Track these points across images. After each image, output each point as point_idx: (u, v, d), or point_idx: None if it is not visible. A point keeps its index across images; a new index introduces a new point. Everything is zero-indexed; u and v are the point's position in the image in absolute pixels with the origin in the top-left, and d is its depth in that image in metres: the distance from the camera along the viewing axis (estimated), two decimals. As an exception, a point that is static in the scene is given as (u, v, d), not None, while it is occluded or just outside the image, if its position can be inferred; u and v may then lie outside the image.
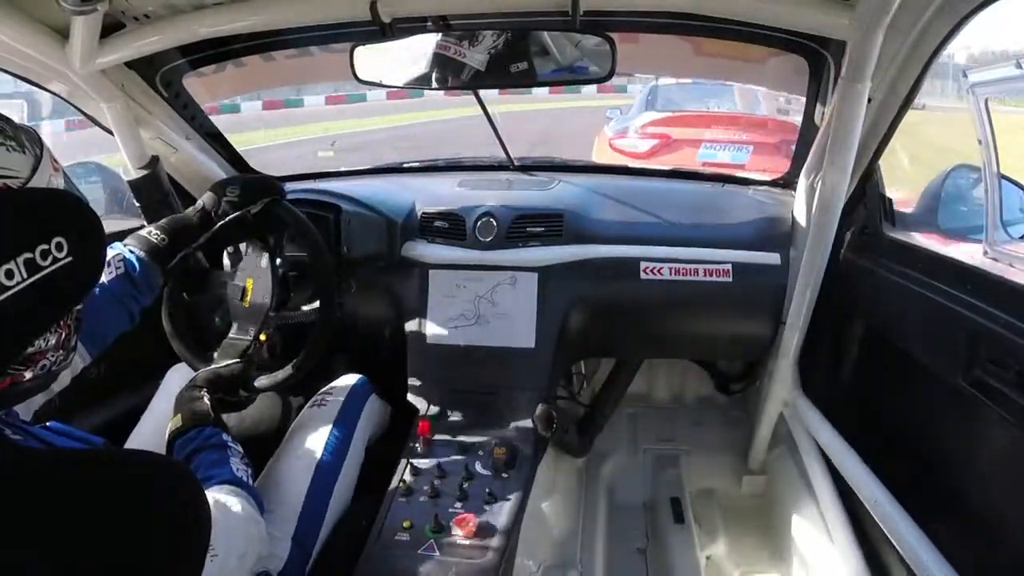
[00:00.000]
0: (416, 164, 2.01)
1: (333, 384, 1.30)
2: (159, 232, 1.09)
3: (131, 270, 1.02)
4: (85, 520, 0.49)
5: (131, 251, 1.04)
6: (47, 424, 0.71)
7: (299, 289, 1.28)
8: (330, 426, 1.18)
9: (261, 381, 1.18)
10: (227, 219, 1.15)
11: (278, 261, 1.23)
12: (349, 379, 1.31)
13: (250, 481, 0.94)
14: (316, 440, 1.16)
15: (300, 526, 1.04)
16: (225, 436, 0.98)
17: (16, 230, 0.54)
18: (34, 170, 0.58)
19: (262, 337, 1.20)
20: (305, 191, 1.52)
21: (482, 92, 1.48)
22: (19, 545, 0.46)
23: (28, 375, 0.61)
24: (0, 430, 0.55)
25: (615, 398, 1.69)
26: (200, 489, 0.59)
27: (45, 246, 0.55)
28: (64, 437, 0.66)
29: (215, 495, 0.84)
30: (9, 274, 0.52)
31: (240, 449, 0.98)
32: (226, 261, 1.30)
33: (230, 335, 1.20)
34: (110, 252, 1.00)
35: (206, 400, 1.03)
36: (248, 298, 1.22)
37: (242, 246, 1.27)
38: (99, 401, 1.35)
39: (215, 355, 1.17)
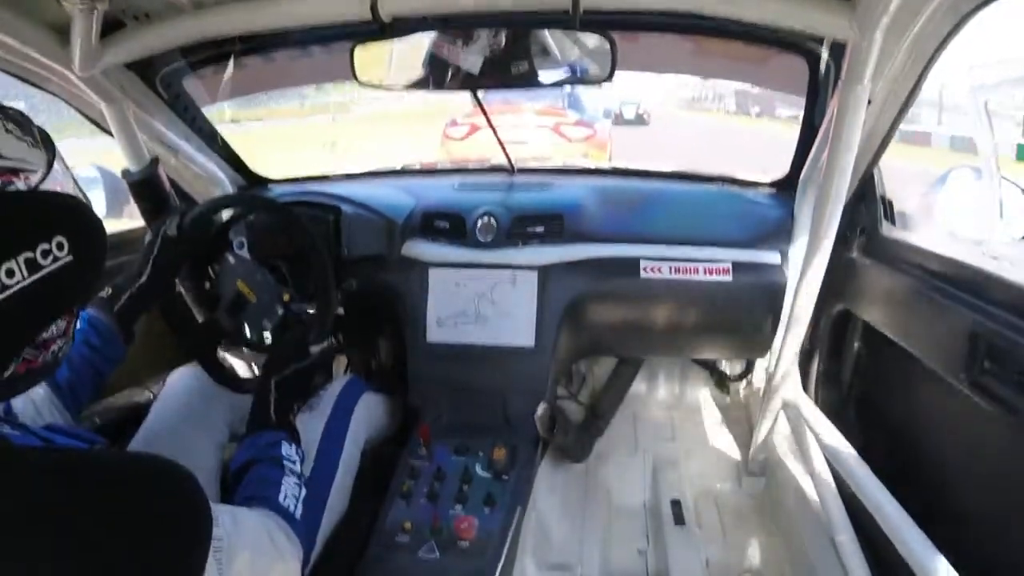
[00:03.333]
0: (416, 167, 2.01)
1: (324, 387, 1.29)
2: (112, 290, 1.09)
3: (90, 337, 1.01)
4: (81, 520, 0.49)
5: (86, 317, 1.03)
6: (50, 423, 0.71)
7: (295, 275, 1.29)
8: (320, 430, 1.17)
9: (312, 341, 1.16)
10: (165, 254, 1.16)
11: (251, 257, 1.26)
12: (339, 380, 1.30)
13: (298, 509, 0.87)
14: (307, 446, 1.12)
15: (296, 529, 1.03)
16: (284, 448, 0.92)
17: (17, 229, 0.54)
18: (49, 166, 0.58)
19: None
20: (305, 192, 1.52)
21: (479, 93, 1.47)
22: (13, 544, 0.46)
23: (39, 361, 0.61)
24: None
25: (615, 402, 1.69)
26: (199, 492, 0.58)
27: (46, 245, 0.55)
28: (64, 436, 0.66)
29: (255, 519, 0.77)
30: (10, 273, 0.52)
31: (297, 462, 0.93)
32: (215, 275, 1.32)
33: (249, 336, 1.22)
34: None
35: (271, 400, 0.99)
36: (250, 300, 1.23)
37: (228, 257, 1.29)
38: (102, 400, 1.35)
39: (246, 358, 1.18)
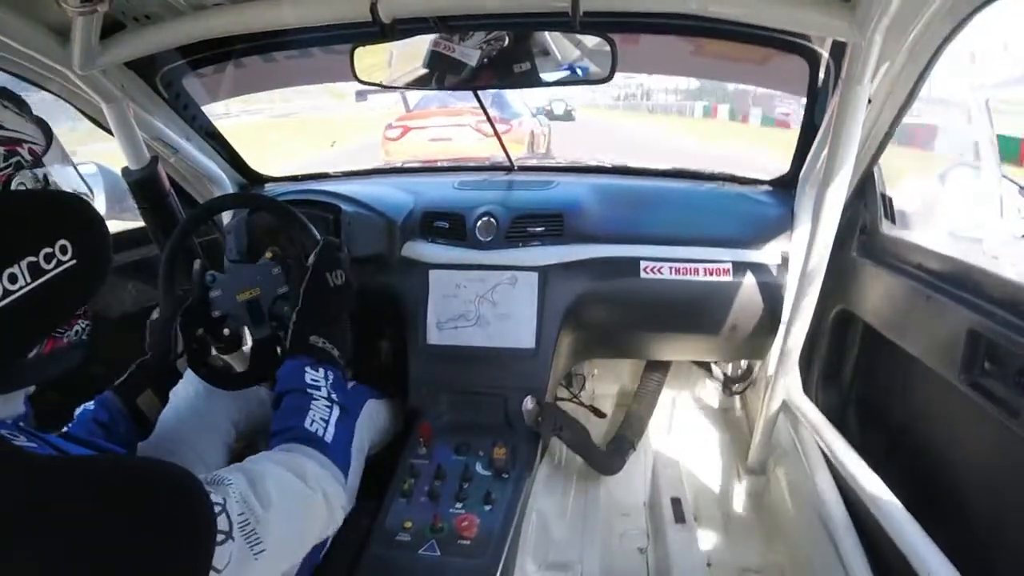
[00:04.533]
0: (416, 165, 2.01)
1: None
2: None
3: (101, 418, 0.98)
4: (82, 526, 0.49)
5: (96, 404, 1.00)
6: (66, 430, 0.71)
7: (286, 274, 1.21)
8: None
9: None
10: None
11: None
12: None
13: (329, 431, 0.81)
14: None
15: None
16: (309, 375, 0.87)
17: (19, 232, 0.53)
18: (49, 141, 0.58)
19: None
20: (305, 191, 1.52)
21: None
22: (17, 548, 0.46)
23: (65, 340, 0.62)
24: (9, 437, 0.54)
25: (646, 414, 1.66)
26: (206, 501, 0.58)
27: (49, 249, 0.54)
28: (79, 446, 0.64)
29: (275, 466, 0.72)
30: (12, 278, 0.52)
31: (323, 384, 0.87)
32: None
33: (257, 337, 1.14)
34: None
35: (291, 324, 0.95)
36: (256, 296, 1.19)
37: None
38: None
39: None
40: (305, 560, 1.00)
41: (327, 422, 0.82)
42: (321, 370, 0.89)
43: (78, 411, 0.98)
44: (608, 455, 1.57)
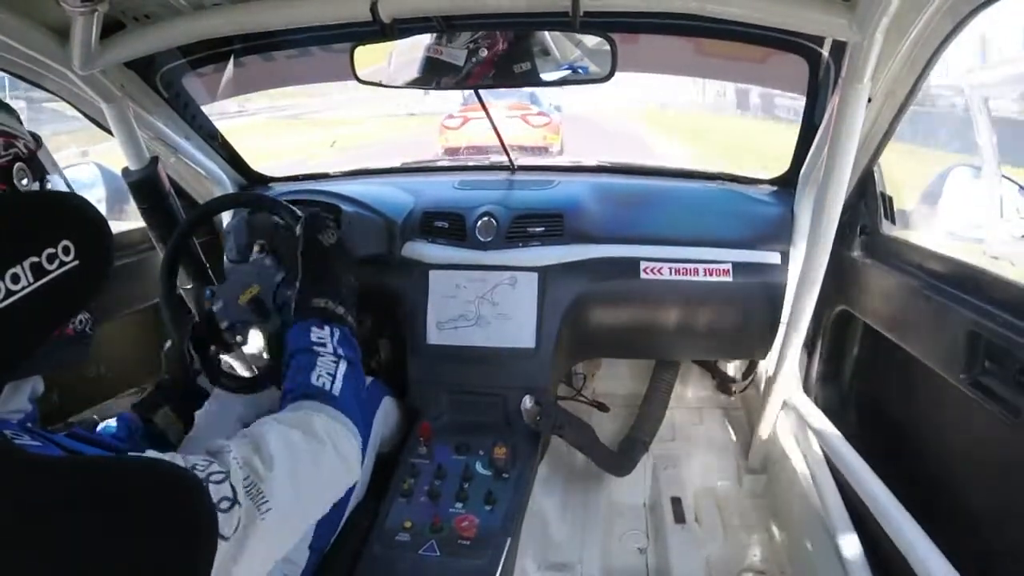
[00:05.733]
0: (416, 165, 2.01)
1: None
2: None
3: (120, 435, 1.00)
4: (81, 528, 0.49)
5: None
6: (73, 429, 0.71)
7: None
8: None
9: None
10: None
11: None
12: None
13: (337, 385, 0.80)
14: None
15: (318, 533, 1.03)
16: (314, 333, 0.86)
17: (22, 232, 0.54)
18: (39, 143, 0.59)
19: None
20: (305, 191, 1.52)
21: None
22: (15, 555, 0.46)
23: (70, 328, 0.62)
24: (11, 437, 0.54)
25: (658, 414, 1.65)
26: (205, 497, 0.57)
27: (51, 249, 0.55)
28: (86, 444, 0.64)
29: (278, 427, 0.71)
30: (15, 278, 0.52)
31: (329, 341, 0.86)
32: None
33: (269, 332, 1.12)
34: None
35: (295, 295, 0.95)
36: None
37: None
38: (102, 402, 1.35)
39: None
40: (311, 551, 1.01)
41: (333, 376, 0.82)
42: (327, 328, 0.88)
43: (100, 427, 0.99)
44: (619, 456, 1.56)
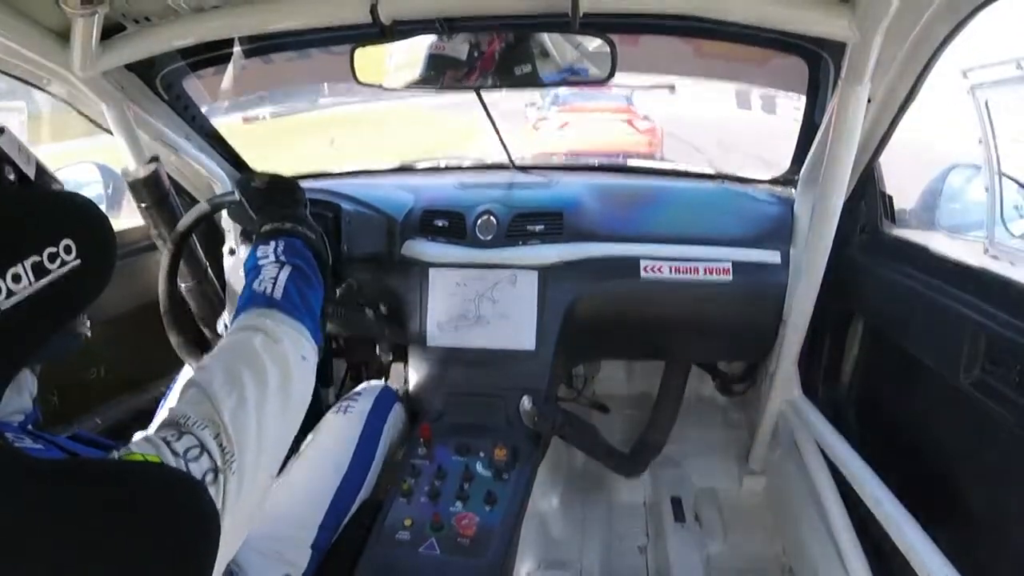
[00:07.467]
0: (416, 164, 2.01)
1: (357, 390, 1.29)
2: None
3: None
4: (87, 534, 0.48)
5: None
6: (76, 432, 0.71)
7: None
8: (357, 437, 1.17)
9: None
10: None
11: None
12: (373, 387, 1.31)
13: (278, 289, 0.78)
14: (342, 451, 1.14)
15: (320, 535, 1.04)
16: (259, 254, 0.86)
17: (23, 231, 0.53)
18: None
19: None
20: (304, 190, 1.52)
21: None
22: (18, 559, 0.46)
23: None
24: (12, 440, 0.54)
25: (670, 416, 1.64)
26: (209, 501, 0.57)
27: (53, 249, 0.54)
28: (86, 446, 0.63)
29: (226, 352, 0.71)
30: (16, 278, 0.51)
31: (269, 255, 0.85)
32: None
33: None
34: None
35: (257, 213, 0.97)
36: None
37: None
38: (103, 403, 1.35)
39: None
40: (313, 551, 1.01)
41: (275, 279, 0.80)
42: (272, 243, 0.88)
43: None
44: (629, 457, 1.55)
